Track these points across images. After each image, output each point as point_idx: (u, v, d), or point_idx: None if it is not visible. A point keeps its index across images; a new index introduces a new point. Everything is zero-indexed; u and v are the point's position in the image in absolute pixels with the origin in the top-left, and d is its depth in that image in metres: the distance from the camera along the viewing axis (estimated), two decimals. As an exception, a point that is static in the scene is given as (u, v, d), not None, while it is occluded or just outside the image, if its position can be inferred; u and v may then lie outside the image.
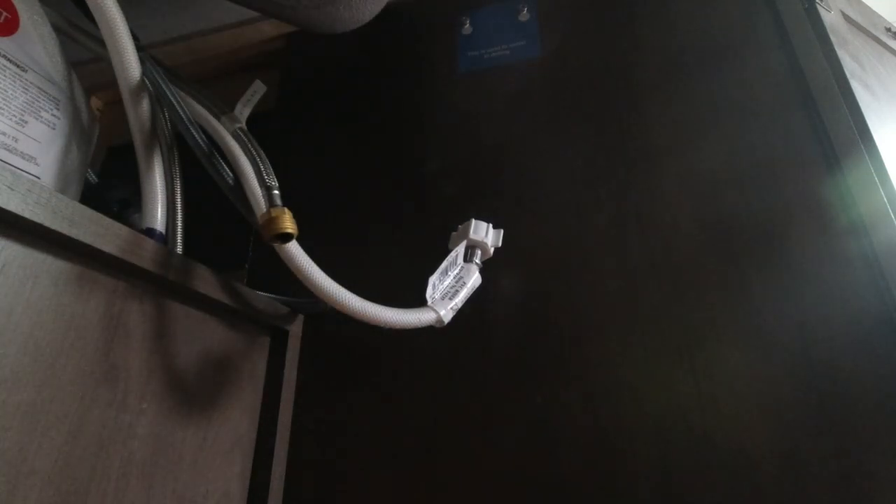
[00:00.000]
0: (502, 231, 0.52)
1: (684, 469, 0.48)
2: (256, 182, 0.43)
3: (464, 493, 0.52)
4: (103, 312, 0.39)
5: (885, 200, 0.53)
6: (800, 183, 0.56)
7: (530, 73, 0.72)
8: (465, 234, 0.50)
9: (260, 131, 0.52)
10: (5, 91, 0.44)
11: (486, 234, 0.50)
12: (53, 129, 0.48)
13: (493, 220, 0.53)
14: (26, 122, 0.45)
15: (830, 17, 0.68)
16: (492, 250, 0.51)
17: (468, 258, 0.49)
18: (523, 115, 0.70)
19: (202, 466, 0.47)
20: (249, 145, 0.45)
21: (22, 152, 0.44)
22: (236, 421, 0.52)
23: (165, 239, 0.49)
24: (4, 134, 0.43)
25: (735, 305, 0.53)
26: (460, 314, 0.45)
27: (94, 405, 0.37)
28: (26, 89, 0.46)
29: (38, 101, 0.47)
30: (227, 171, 0.46)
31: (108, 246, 0.38)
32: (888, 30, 0.86)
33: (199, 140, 0.46)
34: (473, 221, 0.50)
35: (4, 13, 0.45)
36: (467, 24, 0.79)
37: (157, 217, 0.49)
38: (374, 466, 0.55)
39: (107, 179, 0.65)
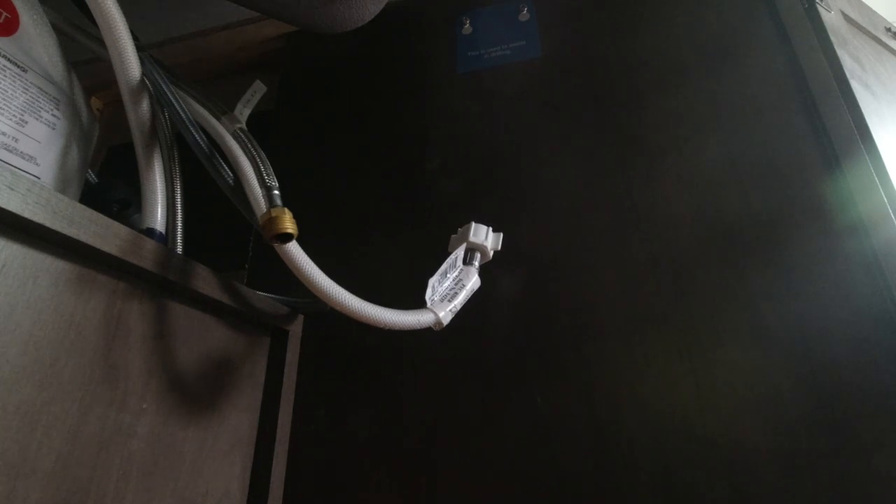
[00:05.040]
0: (502, 234, 0.52)
1: (684, 469, 0.48)
2: (256, 182, 0.43)
3: (463, 493, 0.52)
4: (103, 312, 0.39)
5: (885, 200, 0.53)
6: (800, 183, 0.56)
7: (530, 73, 0.72)
8: (465, 237, 0.50)
9: (260, 131, 0.52)
10: (5, 91, 0.44)
11: (486, 238, 0.50)
12: (53, 129, 0.48)
13: (493, 220, 0.53)
14: (26, 122, 0.45)
15: (830, 17, 0.68)
16: (491, 253, 0.51)
17: (467, 261, 0.50)
18: (523, 115, 0.70)
19: (202, 466, 0.47)
20: (249, 145, 0.45)
21: (22, 152, 0.44)
22: (236, 421, 0.52)
23: (165, 239, 0.49)
24: (4, 134, 0.43)
25: (735, 305, 0.53)
26: (460, 315, 0.45)
27: (94, 405, 0.37)
28: (26, 89, 0.46)
29: (38, 101, 0.47)
30: (228, 171, 0.46)
31: (108, 246, 0.38)
32: (888, 30, 0.86)
33: (199, 140, 0.46)
34: (473, 224, 0.50)
35: (4, 13, 0.45)
36: (467, 24, 0.79)
37: (157, 217, 0.49)
38: (374, 466, 0.55)
39: (107, 179, 0.65)
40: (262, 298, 0.55)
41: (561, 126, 0.67)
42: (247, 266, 0.72)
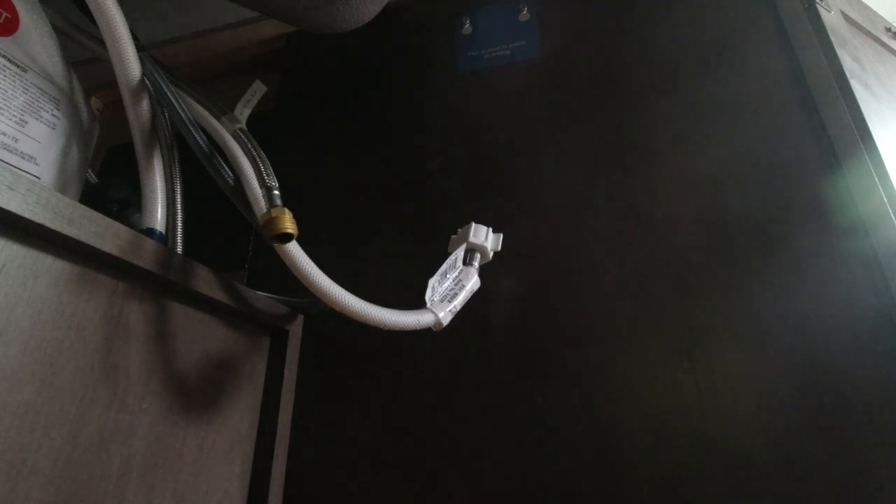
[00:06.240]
0: (502, 235, 0.52)
1: (684, 469, 0.48)
2: (256, 182, 0.43)
3: (463, 492, 0.52)
4: (103, 312, 0.39)
5: (885, 200, 0.53)
6: (800, 183, 0.56)
7: (530, 73, 0.72)
8: (465, 238, 0.50)
9: (260, 131, 0.52)
10: (5, 91, 0.44)
11: (486, 238, 0.50)
12: (53, 129, 0.48)
13: (493, 220, 0.53)
14: (26, 122, 0.45)
15: (830, 17, 0.68)
16: (491, 254, 0.51)
17: (467, 261, 0.50)
18: (523, 115, 0.70)
19: (202, 466, 0.47)
20: (249, 145, 0.45)
21: (22, 152, 0.44)
22: (236, 421, 0.52)
23: (165, 239, 0.49)
24: (4, 134, 0.43)
25: (735, 305, 0.53)
26: (460, 315, 0.45)
27: (94, 405, 0.37)
28: (26, 89, 0.46)
29: (38, 101, 0.47)
30: (228, 171, 0.46)
31: (108, 246, 0.38)
32: (888, 30, 0.86)
33: (200, 140, 0.46)
34: (473, 225, 0.50)
35: (4, 13, 0.45)
36: (467, 24, 0.79)
37: (157, 217, 0.49)
38: (373, 466, 0.55)
39: (107, 179, 0.65)
40: (262, 298, 0.55)
41: (561, 126, 0.67)
42: (247, 266, 0.72)
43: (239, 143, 0.46)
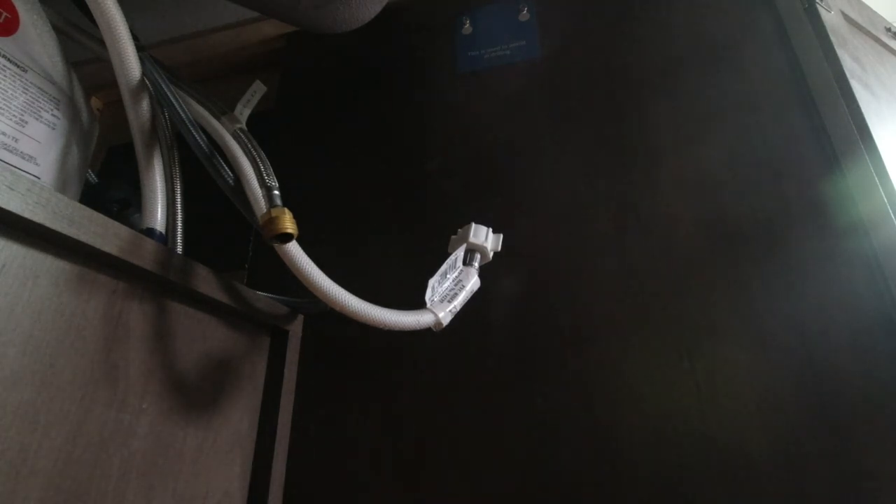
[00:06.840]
0: (502, 235, 0.52)
1: (684, 469, 0.48)
2: (257, 182, 0.43)
3: (463, 492, 0.52)
4: (103, 312, 0.39)
5: (885, 200, 0.53)
6: (800, 183, 0.56)
7: (530, 73, 0.72)
8: (465, 238, 0.50)
9: (260, 131, 0.52)
10: (5, 91, 0.44)
11: (486, 239, 0.50)
12: (53, 129, 0.48)
13: (493, 220, 0.53)
14: (26, 122, 0.45)
15: (830, 17, 0.68)
16: (491, 254, 0.51)
17: (467, 261, 0.50)
18: (523, 115, 0.70)
19: (202, 466, 0.47)
20: (249, 145, 0.45)
21: (22, 152, 0.44)
22: (236, 421, 0.52)
23: (165, 239, 0.49)
24: (4, 134, 0.43)
25: (735, 305, 0.53)
26: (460, 315, 0.45)
27: (94, 405, 0.37)
28: (26, 89, 0.46)
29: (38, 101, 0.47)
30: (228, 171, 0.46)
31: (108, 246, 0.38)
32: (888, 30, 0.86)
33: (200, 140, 0.46)
34: (473, 225, 0.50)
35: (4, 13, 0.45)
36: (467, 24, 0.79)
37: (157, 217, 0.49)
38: (373, 466, 0.55)
39: (107, 179, 0.65)
40: (262, 298, 0.55)
41: (561, 126, 0.67)
42: (247, 266, 0.72)
43: (239, 143, 0.46)
